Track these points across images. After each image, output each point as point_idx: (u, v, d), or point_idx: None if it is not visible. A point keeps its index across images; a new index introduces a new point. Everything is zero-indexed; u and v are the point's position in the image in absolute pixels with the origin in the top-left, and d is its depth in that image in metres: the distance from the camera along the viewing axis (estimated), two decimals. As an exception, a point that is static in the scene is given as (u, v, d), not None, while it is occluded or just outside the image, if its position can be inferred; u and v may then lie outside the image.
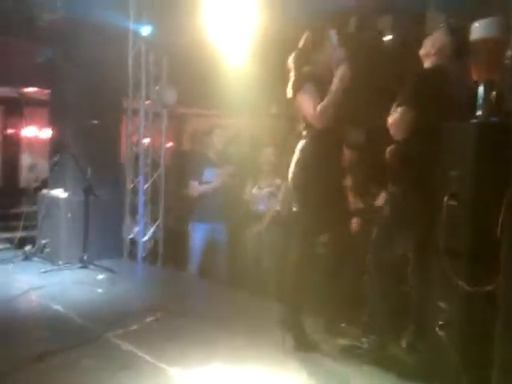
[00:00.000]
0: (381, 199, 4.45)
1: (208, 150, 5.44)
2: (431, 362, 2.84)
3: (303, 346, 3.28)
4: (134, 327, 3.70)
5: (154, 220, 6.05)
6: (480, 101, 2.89)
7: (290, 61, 3.37)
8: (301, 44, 3.36)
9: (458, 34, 3.18)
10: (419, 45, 3.48)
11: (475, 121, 2.87)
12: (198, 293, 4.76)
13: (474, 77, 2.94)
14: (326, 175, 3.22)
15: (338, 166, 3.37)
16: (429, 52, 3.21)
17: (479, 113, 2.89)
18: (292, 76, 3.34)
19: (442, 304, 2.80)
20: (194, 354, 3.29)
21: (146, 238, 5.91)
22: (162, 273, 5.79)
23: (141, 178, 5.89)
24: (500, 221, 2.45)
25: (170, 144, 8.26)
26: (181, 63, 6.05)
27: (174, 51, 5.91)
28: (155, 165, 6.06)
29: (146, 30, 5.80)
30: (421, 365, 2.96)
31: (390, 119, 3.10)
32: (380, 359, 3.13)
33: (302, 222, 3.31)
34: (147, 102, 5.94)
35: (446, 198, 2.77)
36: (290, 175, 3.36)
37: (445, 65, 3.18)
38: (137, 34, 5.81)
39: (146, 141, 6.02)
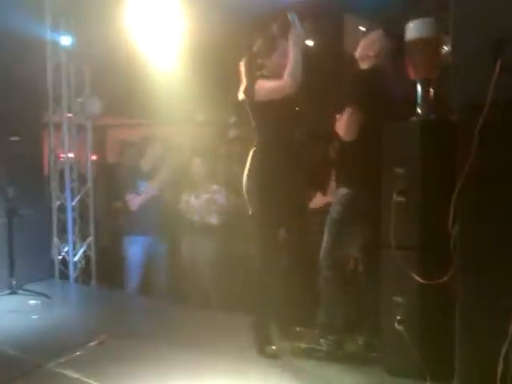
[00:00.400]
0: (319, 200, 4.50)
1: (139, 162, 5.25)
2: (392, 358, 2.86)
3: (267, 353, 3.25)
4: (78, 353, 3.45)
5: (84, 237, 5.75)
6: (419, 99, 2.99)
7: (242, 64, 3.36)
8: (254, 49, 3.37)
9: (394, 36, 3.27)
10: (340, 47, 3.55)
11: (415, 119, 2.96)
12: (140, 310, 4.55)
13: (411, 76, 3.02)
14: (276, 180, 3.20)
15: (290, 170, 3.31)
16: (367, 54, 3.26)
17: (419, 111, 2.98)
18: (243, 79, 3.33)
19: (397, 299, 2.84)
20: (144, 374, 3.13)
21: (76, 257, 5.60)
22: (98, 293, 5.50)
23: (68, 195, 5.58)
24: (450, 216, 2.51)
25: (94, 157, 7.93)
26: (104, 72, 5.82)
27: (96, 60, 5.66)
28: (82, 180, 5.78)
29: (65, 40, 5.51)
30: (382, 360, 2.97)
31: (339, 121, 3.13)
32: (341, 359, 3.15)
33: (258, 225, 3.29)
34: (70, 115, 5.65)
35: (394, 195, 2.81)
36: (243, 182, 3.31)
37: (382, 65, 3.25)
38: (56, 44, 5.51)
39: (71, 155, 5.71)
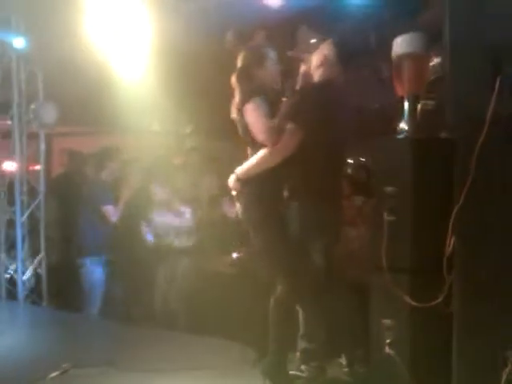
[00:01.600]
0: None
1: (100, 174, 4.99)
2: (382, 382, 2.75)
3: None
4: (37, 386, 3.16)
5: (34, 254, 5.35)
6: (406, 115, 2.92)
7: (233, 80, 3.14)
8: (240, 63, 3.15)
9: (341, 44, 3.21)
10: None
11: (404, 135, 2.89)
12: (100, 334, 4.19)
13: (399, 92, 2.96)
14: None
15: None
16: (315, 65, 3.16)
17: (405, 128, 2.91)
18: (237, 94, 3.10)
19: (387, 322, 2.73)
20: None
21: (26, 275, 5.19)
22: (52, 315, 5.10)
23: (17, 208, 5.19)
24: (449, 236, 2.44)
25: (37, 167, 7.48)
26: (58, 78, 5.50)
27: (50, 64, 5.32)
28: (32, 192, 5.40)
29: (17, 42, 5.14)
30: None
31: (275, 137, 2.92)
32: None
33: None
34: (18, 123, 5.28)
35: (385, 214, 2.71)
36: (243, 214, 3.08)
37: (330, 76, 3.14)
38: (5, 45, 5.14)
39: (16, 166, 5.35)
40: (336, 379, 3.11)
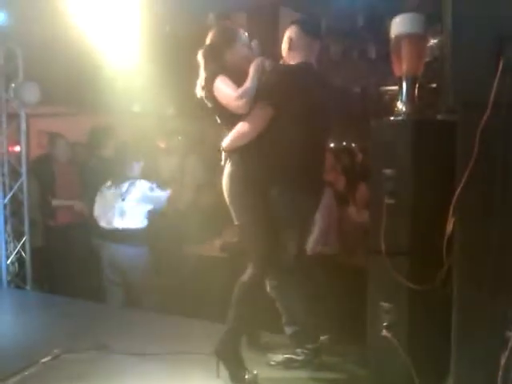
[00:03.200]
0: None
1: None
2: (379, 365, 2.77)
3: (240, 380, 2.86)
4: (29, 372, 3.07)
5: (17, 237, 5.23)
6: (403, 97, 2.90)
7: (199, 57, 3.06)
8: (209, 40, 3.07)
9: (304, 23, 3.14)
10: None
11: (402, 117, 2.86)
12: (92, 319, 4.06)
13: (397, 73, 2.93)
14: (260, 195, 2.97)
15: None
16: (285, 50, 3.10)
17: (403, 109, 2.89)
18: (202, 71, 3.03)
19: (385, 305, 2.74)
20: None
21: (10, 259, 5.08)
22: (38, 299, 5.01)
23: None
24: (450, 219, 2.43)
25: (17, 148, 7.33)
26: (38, 55, 5.33)
27: (31, 41, 5.13)
28: (14, 174, 5.26)
29: (-5, 17, 4.94)
30: (366, 368, 2.87)
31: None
32: (320, 368, 3.02)
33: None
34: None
35: (385, 198, 2.70)
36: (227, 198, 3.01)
37: (305, 61, 3.08)
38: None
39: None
40: (332, 363, 3.11)
